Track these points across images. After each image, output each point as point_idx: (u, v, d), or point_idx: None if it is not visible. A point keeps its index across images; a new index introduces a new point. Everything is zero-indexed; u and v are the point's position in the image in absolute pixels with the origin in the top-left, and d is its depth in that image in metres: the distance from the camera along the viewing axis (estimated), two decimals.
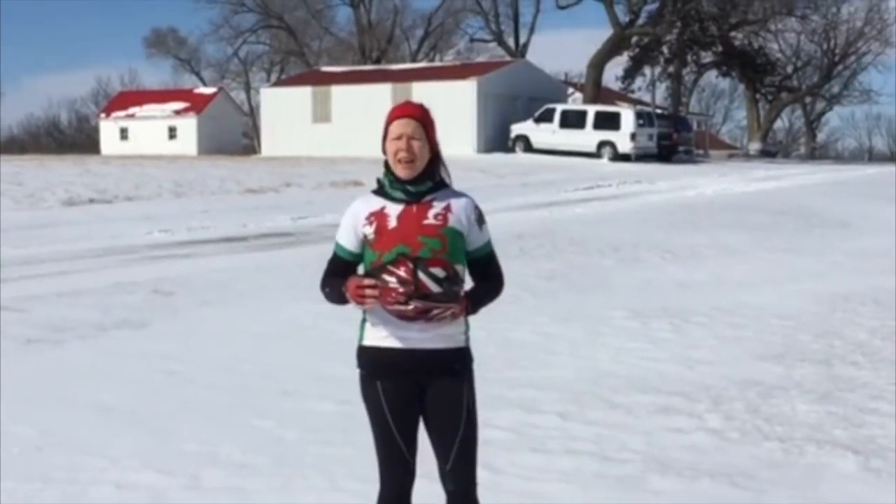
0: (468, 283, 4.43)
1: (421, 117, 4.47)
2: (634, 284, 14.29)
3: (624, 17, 61.14)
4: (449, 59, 79.43)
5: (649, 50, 63.64)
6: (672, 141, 49.97)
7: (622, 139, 46.39)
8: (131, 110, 75.38)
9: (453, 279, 4.25)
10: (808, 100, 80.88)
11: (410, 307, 4.21)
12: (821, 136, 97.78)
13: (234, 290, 13.57)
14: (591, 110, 48.64)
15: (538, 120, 48.19)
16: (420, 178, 4.43)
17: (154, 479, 6.48)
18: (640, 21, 61.83)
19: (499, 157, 45.21)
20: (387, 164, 4.46)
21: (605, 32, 59.83)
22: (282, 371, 9.32)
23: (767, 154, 67.59)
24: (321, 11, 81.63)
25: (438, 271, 4.22)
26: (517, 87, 52.82)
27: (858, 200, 26.62)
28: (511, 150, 48.25)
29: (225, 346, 10.36)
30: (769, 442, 7.16)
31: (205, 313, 12.11)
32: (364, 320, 4.48)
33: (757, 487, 6.31)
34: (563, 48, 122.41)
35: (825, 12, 70.65)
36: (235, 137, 75.33)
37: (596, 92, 57.56)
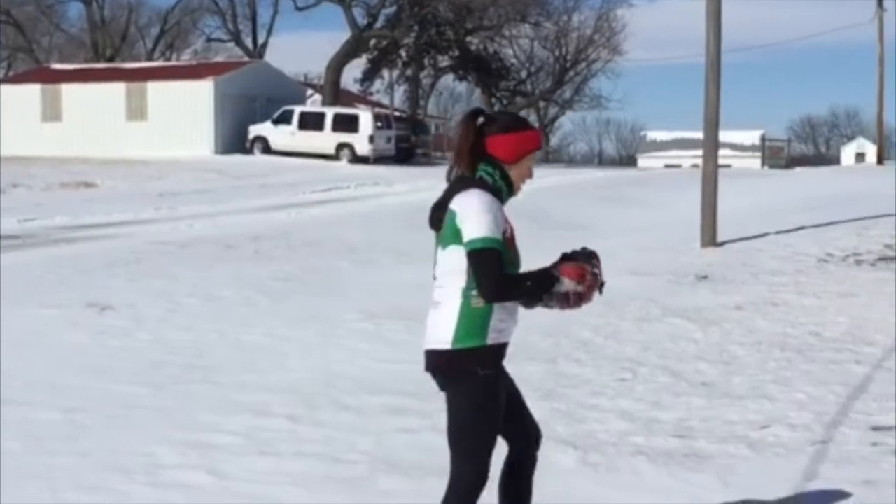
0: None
1: None
2: (370, 286, 14.37)
3: (362, 20, 61.48)
4: (186, 58, 78.13)
5: (387, 53, 64.17)
6: (410, 143, 50.52)
7: (360, 141, 46.58)
8: None
9: None
10: (541, 104, 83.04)
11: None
12: (554, 140, 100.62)
13: None
14: (330, 112, 48.68)
15: (276, 121, 47.91)
16: None
17: None
18: (379, 24, 62.26)
19: (237, 159, 44.73)
20: (503, 170, 4.57)
21: (345, 34, 60.08)
22: (3, 378, 8.96)
23: None
24: (51, 7, 78.90)
25: None
26: (255, 87, 52.36)
27: (589, 203, 27.47)
28: (249, 151, 47.83)
29: None
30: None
31: None
32: (485, 319, 4.48)
33: None
34: (303, 50, 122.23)
35: (557, 20, 72.69)
36: None
37: (335, 94, 57.64)
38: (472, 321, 4.45)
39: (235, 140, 48.81)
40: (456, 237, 4.47)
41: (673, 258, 16.92)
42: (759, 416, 8.03)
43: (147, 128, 48.52)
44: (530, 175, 4.65)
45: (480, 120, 4.60)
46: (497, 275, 4.38)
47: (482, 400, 4.50)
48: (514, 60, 75.37)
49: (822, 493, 6.38)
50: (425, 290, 15.18)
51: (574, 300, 4.60)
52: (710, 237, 18.53)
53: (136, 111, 49.44)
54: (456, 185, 4.53)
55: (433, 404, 8.26)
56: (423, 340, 4.62)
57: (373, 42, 63.06)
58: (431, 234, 16.36)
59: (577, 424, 7.70)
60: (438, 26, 63.48)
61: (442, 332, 4.50)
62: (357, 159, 46.09)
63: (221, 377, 9.28)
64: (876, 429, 7.70)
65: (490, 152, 4.55)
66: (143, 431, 7.55)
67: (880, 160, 54.20)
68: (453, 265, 4.51)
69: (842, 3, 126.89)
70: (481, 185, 4.49)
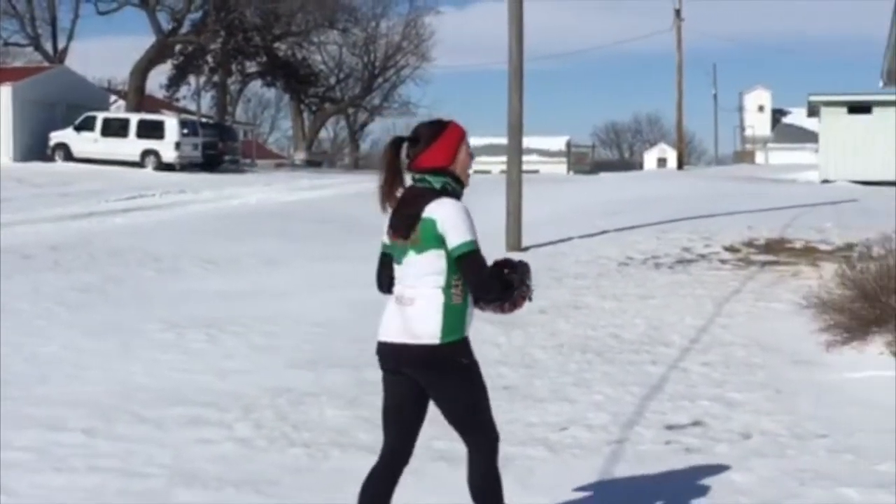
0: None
1: None
2: (173, 296, 14.13)
3: (167, 25, 60.45)
4: None
5: (194, 58, 63.26)
6: (218, 150, 49.80)
7: (166, 148, 45.77)
8: None
9: None
10: (351, 111, 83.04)
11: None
12: (364, 146, 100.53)
13: None
14: (134, 119, 47.71)
15: (79, 128, 46.73)
16: None
17: None
18: (184, 29, 61.30)
19: (37, 166, 43.44)
20: (451, 173, 4.87)
21: (149, 39, 58.96)
22: None
23: (313, 163, 68.82)
24: None
25: None
26: (56, 93, 51.00)
27: None
28: (50, 158, 46.56)
29: None
30: (295, 448, 7.27)
31: None
32: (463, 313, 4.81)
33: (281, 494, 6.39)
34: (106, 55, 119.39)
35: (365, 26, 72.86)
36: None
37: (139, 100, 56.54)
38: (455, 316, 4.79)
39: (35, 147, 47.47)
40: (435, 242, 4.75)
41: None
42: (559, 418, 8.17)
43: None
44: (472, 159, 4.97)
45: (405, 146, 4.94)
46: (486, 272, 4.78)
47: (475, 380, 4.93)
48: (322, 66, 75.20)
49: (617, 492, 6.52)
50: (231, 299, 15.00)
51: (508, 307, 4.92)
52: (515, 242, 18.79)
53: None
54: (425, 197, 4.81)
55: (232, 414, 8.19)
56: (383, 333, 4.90)
57: (178, 47, 62.12)
58: (237, 242, 16.20)
59: (381, 431, 7.66)
60: (245, 32, 62.91)
61: (425, 327, 4.77)
62: (163, 166, 45.28)
63: (14, 391, 8.98)
64: (670, 427, 7.91)
65: (431, 166, 4.85)
66: None
67: (681, 165, 55.92)
68: (431, 267, 4.78)
69: (643, 13, 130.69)
70: (447, 194, 4.81)
